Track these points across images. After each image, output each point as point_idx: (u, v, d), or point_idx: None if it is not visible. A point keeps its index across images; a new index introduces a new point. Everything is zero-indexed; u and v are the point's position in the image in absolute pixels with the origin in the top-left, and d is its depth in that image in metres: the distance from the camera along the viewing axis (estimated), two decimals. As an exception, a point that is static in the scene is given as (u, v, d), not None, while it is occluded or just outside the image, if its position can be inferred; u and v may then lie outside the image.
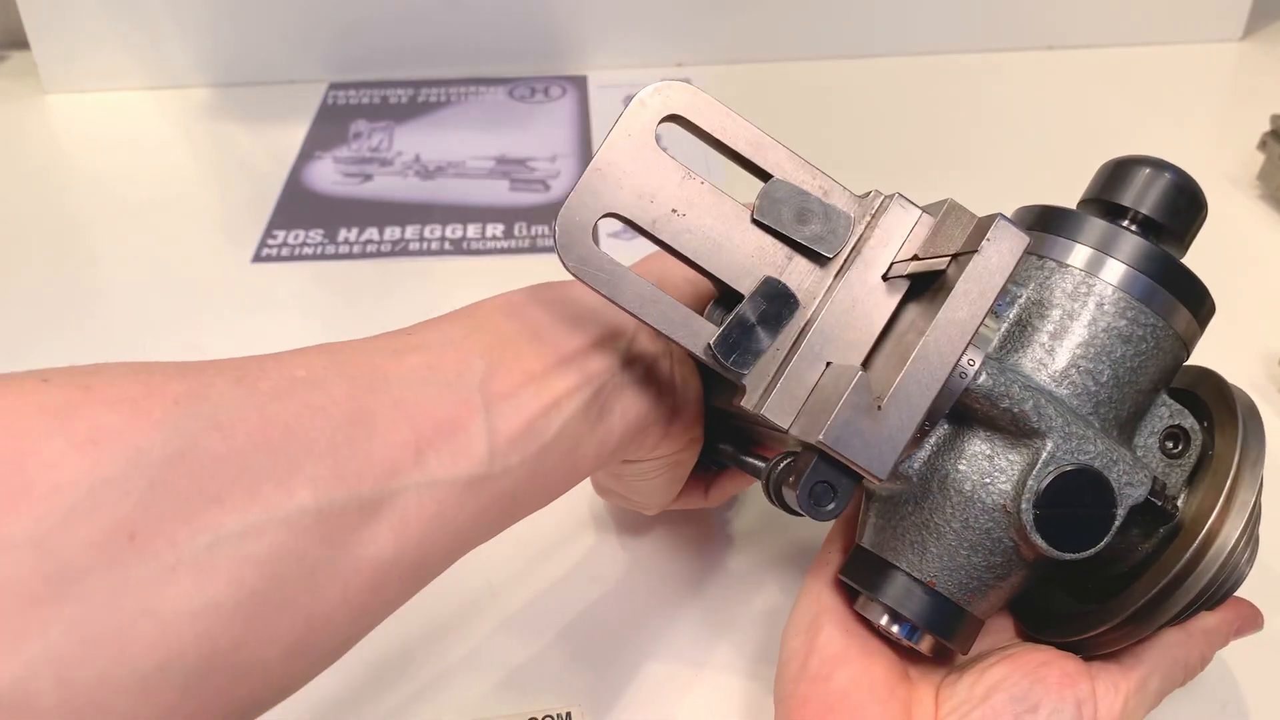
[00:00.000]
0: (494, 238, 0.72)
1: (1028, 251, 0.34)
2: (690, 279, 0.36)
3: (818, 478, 0.31)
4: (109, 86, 0.89)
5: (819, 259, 0.34)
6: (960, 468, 0.34)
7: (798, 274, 0.34)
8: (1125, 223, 0.36)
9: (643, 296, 0.33)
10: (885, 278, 0.33)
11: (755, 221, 0.34)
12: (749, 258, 0.34)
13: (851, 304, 0.33)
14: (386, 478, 0.29)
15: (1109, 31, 0.93)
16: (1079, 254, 0.35)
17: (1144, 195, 0.36)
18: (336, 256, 0.70)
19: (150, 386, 0.27)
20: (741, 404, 0.33)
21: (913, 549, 0.35)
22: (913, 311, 0.32)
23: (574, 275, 0.33)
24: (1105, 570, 0.36)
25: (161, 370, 0.28)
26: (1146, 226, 0.36)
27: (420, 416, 0.30)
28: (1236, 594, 0.36)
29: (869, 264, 0.33)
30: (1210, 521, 0.33)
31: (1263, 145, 0.73)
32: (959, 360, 0.30)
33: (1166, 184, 0.36)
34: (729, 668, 0.44)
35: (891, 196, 0.34)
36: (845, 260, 0.33)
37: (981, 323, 0.30)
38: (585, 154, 0.81)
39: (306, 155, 0.82)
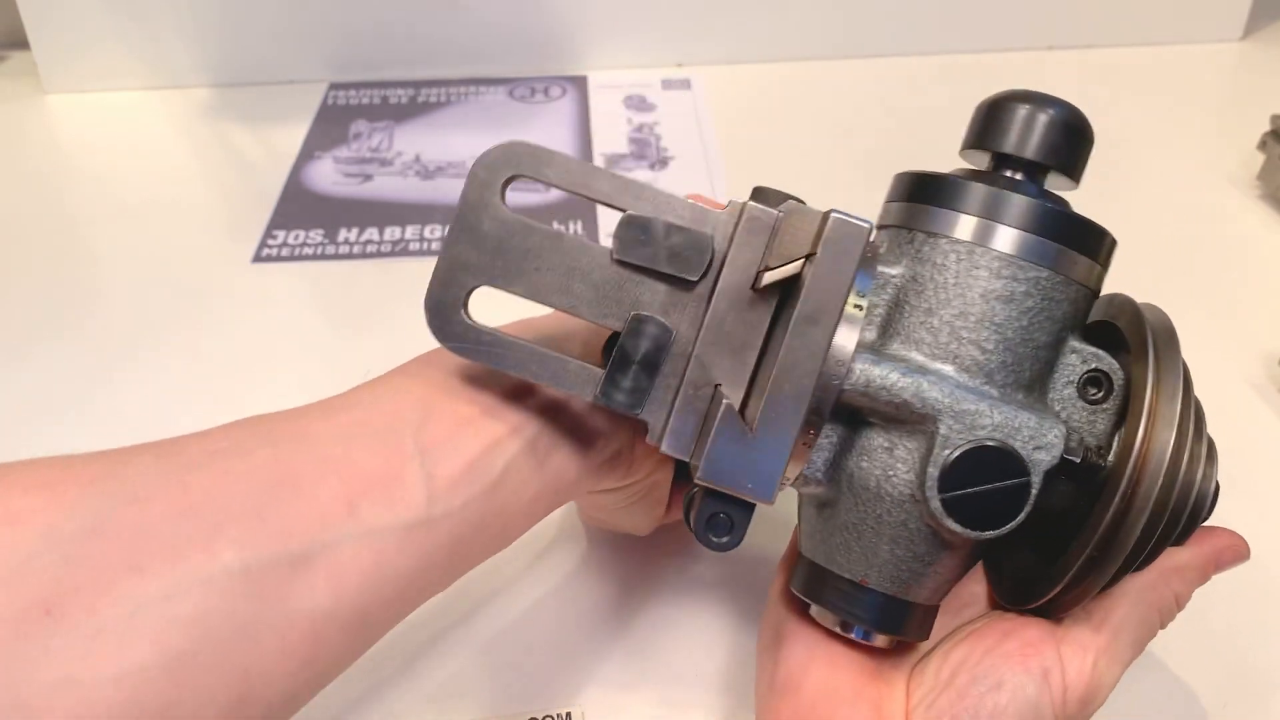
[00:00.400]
0: (494, 238, 0.72)
1: (901, 226, 0.34)
2: None
3: (711, 510, 0.31)
4: (109, 86, 0.89)
5: (686, 284, 0.33)
6: (862, 464, 0.33)
7: (669, 303, 0.33)
8: (1008, 172, 0.35)
9: (527, 359, 0.33)
10: (755, 289, 0.32)
11: (617, 260, 0.33)
12: (618, 298, 0.33)
13: (726, 323, 0.33)
14: (316, 531, 0.29)
15: (1109, 31, 0.93)
16: (948, 221, 0.34)
17: (1025, 139, 0.35)
18: (336, 256, 0.70)
19: (66, 471, 0.28)
20: (647, 440, 0.33)
21: (840, 551, 0.34)
22: (784, 320, 0.32)
23: (456, 354, 0.33)
24: (1059, 528, 0.35)
25: (82, 457, 0.29)
26: (1031, 169, 0.35)
27: (349, 470, 0.31)
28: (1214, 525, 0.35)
29: (737, 279, 0.33)
30: (1135, 451, 0.32)
31: (1263, 145, 0.73)
32: (820, 368, 0.30)
33: (1047, 123, 0.34)
34: (730, 668, 0.44)
35: (744, 205, 0.33)
36: (714, 279, 0.33)
37: (835, 328, 0.30)
38: (585, 154, 0.81)
39: (306, 155, 0.82)
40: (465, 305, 0.33)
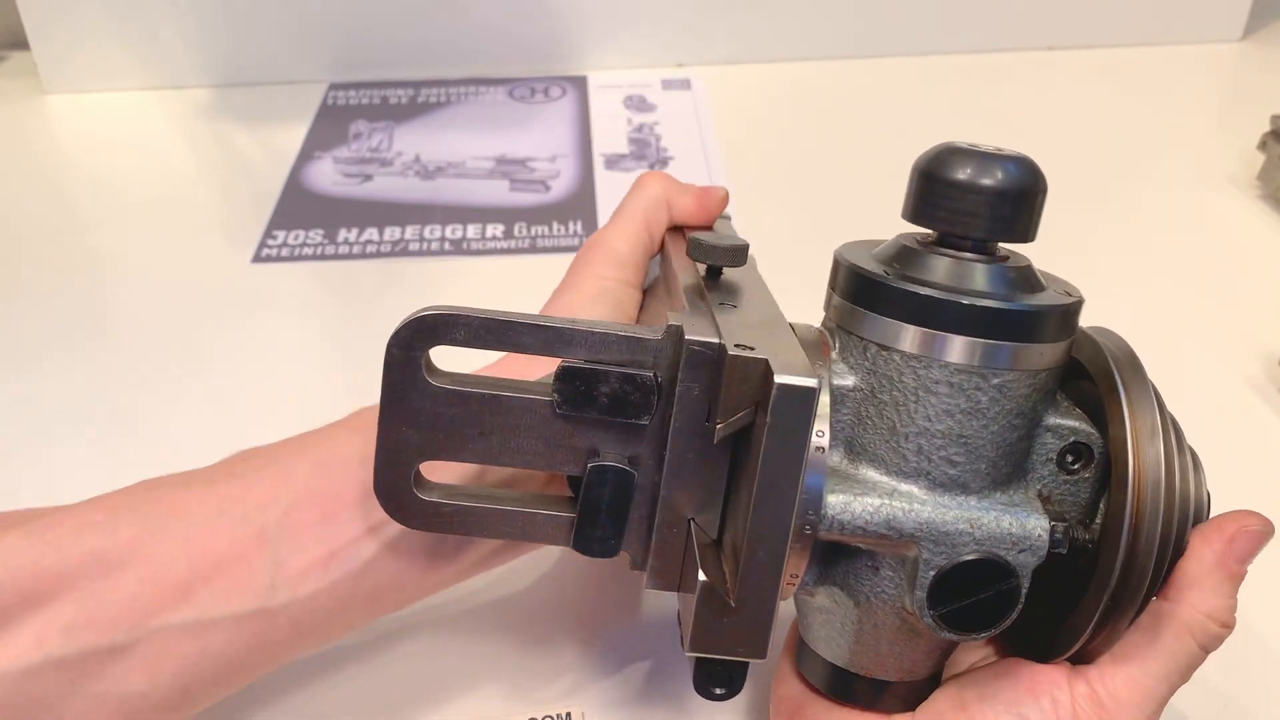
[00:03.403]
0: (494, 238, 0.72)
1: (851, 332, 0.32)
2: None
3: (707, 669, 0.31)
4: (109, 86, 0.89)
5: (636, 427, 0.32)
6: (850, 581, 0.33)
7: (625, 440, 0.32)
8: (953, 250, 0.32)
9: (493, 520, 0.32)
10: (709, 429, 0.31)
11: (561, 415, 0.31)
12: (570, 446, 0.32)
13: (688, 464, 0.32)
14: (143, 617, 0.30)
15: (1109, 31, 0.93)
16: (895, 333, 0.32)
17: (968, 217, 0.31)
18: (336, 257, 0.70)
19: None
20: (631, 568, 0.33)
21: (841, 646, 0.34)
22: (747, 467, 0.30)
23: (422, 531, 0.33)
24: (1059, 584, 0.34)
25: None
26: (979, 245, 0.33)
27: (202, 552, 0.31)
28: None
29: (689, 415, 0.31)
30: (1130, 469, 0.31)
31: (1263, 145, 0.73)
32: (789, 531, 0.29)
33: (991, 195, 0.31)
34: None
35: (682, 335, 0.30)
36: (666, 414, 0.31)
37: (797, 494, 0.28)
38: (585, 154, 0.81)
39: (306, 155, 0.82)
40: (416, 483, 0.32)
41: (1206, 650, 0.33)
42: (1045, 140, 0.80)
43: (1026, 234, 0.32)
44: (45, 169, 0.82)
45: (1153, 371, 0.34)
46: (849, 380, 0.32)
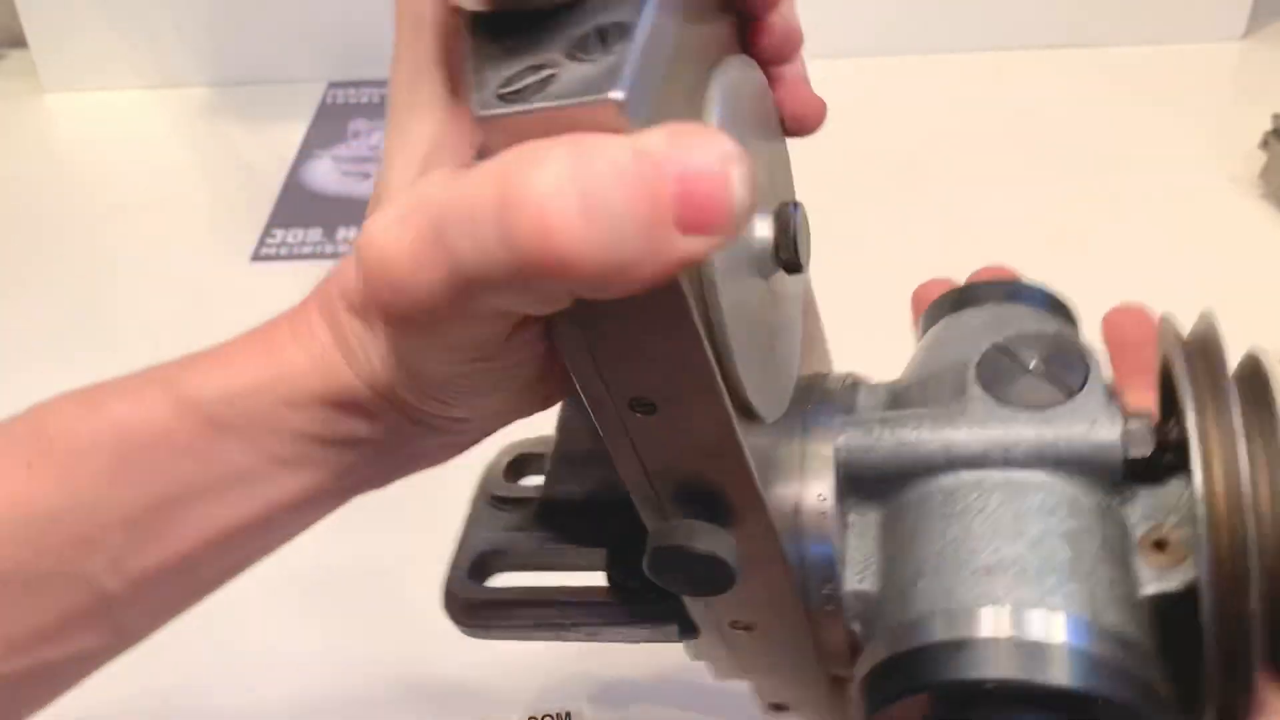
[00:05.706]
0: (493, 237, 0.72)
1: None
2: None
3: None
4: (108, 86, 0.89)
5: None
6: None
7: None
8: None
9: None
10: None
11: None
12: None
13: None
14: None
15: (1110, 31, 0.93)
16: None
17: None
18: (335, 256, 0.70)
19: None
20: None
21: None
22: None
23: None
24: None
25: None
26: None
27: None
28: None
29: None
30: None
31: (1264, 144, 0.73)
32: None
33: None
34: (729, 668, 0.44)
35: None
36: None
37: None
38: (585, 153, 0.81)
39: (306, 154, 0.82)
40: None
41: None
42: (1046, 140, 0.80)
43: None
44: (43, 168, 0.82)
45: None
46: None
